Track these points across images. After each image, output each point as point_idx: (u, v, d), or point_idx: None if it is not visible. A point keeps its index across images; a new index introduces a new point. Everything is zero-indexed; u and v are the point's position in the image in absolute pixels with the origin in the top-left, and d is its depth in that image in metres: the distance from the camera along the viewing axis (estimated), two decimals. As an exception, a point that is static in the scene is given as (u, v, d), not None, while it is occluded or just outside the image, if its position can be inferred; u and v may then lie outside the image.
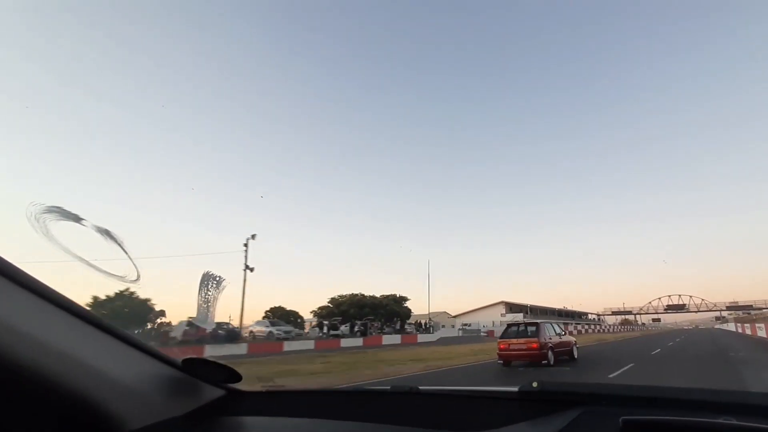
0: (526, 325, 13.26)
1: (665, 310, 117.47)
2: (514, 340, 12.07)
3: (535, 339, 11.72)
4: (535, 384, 1.07)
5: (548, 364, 11.66)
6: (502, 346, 12.25)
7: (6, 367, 0.67)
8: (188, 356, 1.07)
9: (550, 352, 11.86)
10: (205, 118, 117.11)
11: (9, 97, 70.72)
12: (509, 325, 13.67)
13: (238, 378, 1.13)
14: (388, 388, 1.33)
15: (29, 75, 76.96)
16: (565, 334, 14.26)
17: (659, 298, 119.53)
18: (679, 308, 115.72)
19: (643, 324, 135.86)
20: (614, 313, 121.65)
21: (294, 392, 1.55)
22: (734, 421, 0.74)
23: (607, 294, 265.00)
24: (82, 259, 0.91)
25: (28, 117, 76.78)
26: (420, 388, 1.25)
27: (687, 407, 0.91)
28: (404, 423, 0.99)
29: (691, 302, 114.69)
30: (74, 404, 0.79)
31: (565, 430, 0.85)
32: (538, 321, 13.57)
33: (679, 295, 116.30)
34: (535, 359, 11.69)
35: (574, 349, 13.95)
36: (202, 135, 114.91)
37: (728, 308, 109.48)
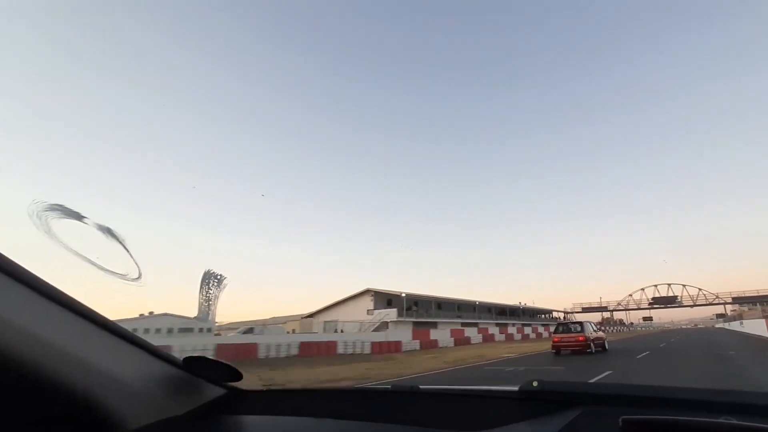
0: (572, 323, 17.55)
1: (650, 304, 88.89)
2: (565, 335, 16.35)
3: (582, 334, 15.96)
4: (535, 384, 1.06)
5: (591, 352, 15.77)
6: (555, 340, 16.58)
7: (7, 365, 0.67)
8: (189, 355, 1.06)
9: (591, 344, 16.04)
10: (205, 118, 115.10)
11: (10, 97, 69.77)
12: (558, 324, 18.56)
13: (239, 377, 1.12)
14: (389, 387, 1.34)
15: (30, 75, 75.07)
16: (599, 331, 18.84)
17: (642, 289, 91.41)
18: (669, 302, 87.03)
19: (631, 324, 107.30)
20: (585, 310, 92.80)
21: (295, 391, 1.53)
22: (734, 421, 0.74)
23: (580, 289, 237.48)
24: (83, 257, 0.90)
25: (30, 116, 75.23)
26: (420, 387, 1.25)
27: (687, 407, 0.91)
28: (405, 422, 0.99)
29: (685, 293, 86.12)
30: (75, 403, 0.78)
31: (565, 429, 0.85)
32: (582, 321, 17.41)
33: (668, 285, 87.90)
34: (582, 348, 15.74)
35: (605, 342, 18.37)
36: (202, 134, 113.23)
37: (735, 300, 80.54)
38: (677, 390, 0.97)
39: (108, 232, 0.97)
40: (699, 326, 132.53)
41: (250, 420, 1.09)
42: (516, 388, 1.10)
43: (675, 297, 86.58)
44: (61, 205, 0.91)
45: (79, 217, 0.94)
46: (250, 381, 1.32)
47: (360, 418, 1.08)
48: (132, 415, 0.86)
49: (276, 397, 1.34)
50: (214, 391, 1.14)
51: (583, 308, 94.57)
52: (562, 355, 15.68)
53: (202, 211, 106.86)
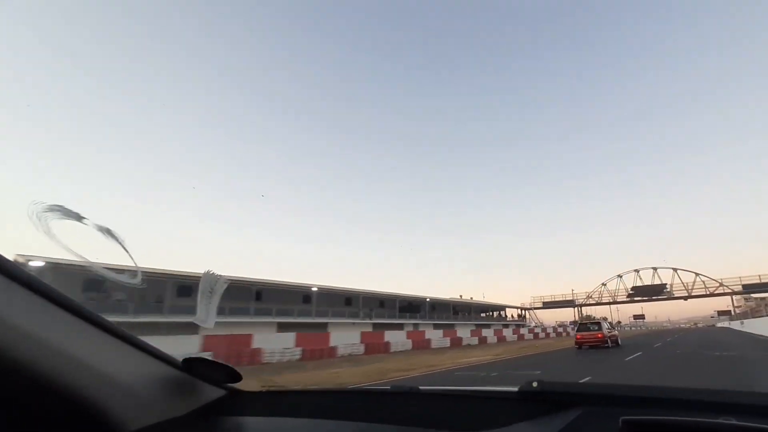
0: (591, 324, 20.97)
1: (630, 295, 66.25)
2: (586, 333, 19.81)
3: (600, 332, 19.50)
4: (535, 384, 1.05)
5: (607, 347, 19.30)
6: (578, 337, 20.00)
7: (6, 367, 0.67)
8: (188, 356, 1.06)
9: (608, 340, 19.70)
10: (206, 117, 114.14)
11: (10, 97, 69.35)
12: (580, 324, 22.66)
13: (238, 378, 1.12)
14: (389, 388, 1.33)
15: (30, 74, 74.32)
16: (613, 329, 23.12)
17: (619, 276, 68.91)
18: (655, 292, 64.28)
19: (619, 323, 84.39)
20: (547, 306, 70.30)
21: (294, 392, 1.53)
22: (734, 421, 0.74)
23: (547, 281, 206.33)
24: (83, 258, 0.91)
25: (30, 116, 74.93)
26: (420, 388, 1.24)
27: (687, 407, 0.91)
28: (404, 423, 0.99)
29: (676, 280, 63.52)
30: (74, 404, 0.78)
31: (565, 430, 0.86)
32: (599, 321, 21.31)
33: (654, 269, 65.33)
34: (600, 344, 19.17)
35: (618, 339, 22.27)
36: (203, 134, 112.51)
37: (747, 288, 57.76)
38: (677, 390, 0.97)
39: (108, 232, 0.97)
40: (698, 325, 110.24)
41: (250, 421, 1.09)
42: (515, 389, 1.09)
43: (663, 286, 64.22)
44: (60, 206, 0.90)
45: (78, 217, 0.93)
46: (250, 382, 1.18)
47: (359, 418, 1.08)
48: (131, 417, 0.86)
49: (275, 398, 1.35)
50: (214, 392, 1.14)
51: (544, 303, 72.70)
52: (583, 350, 19.05)
53: (202, 211, 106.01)
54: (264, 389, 1.36)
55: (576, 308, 70.16)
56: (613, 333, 21.41)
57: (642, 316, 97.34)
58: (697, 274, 61.90)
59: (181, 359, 1.03)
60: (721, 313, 79.91)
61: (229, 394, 1.17)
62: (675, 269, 63.99)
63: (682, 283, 63.07)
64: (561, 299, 72.86)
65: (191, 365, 1.03)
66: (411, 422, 0.98)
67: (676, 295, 63.13)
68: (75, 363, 0.76)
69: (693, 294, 61.91)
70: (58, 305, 0.75)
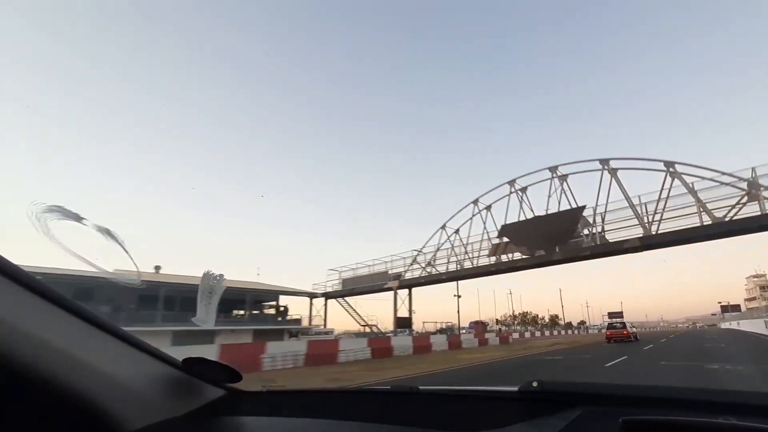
0: (617, 323, 28.59)
1: (493, 249, 25.18)
2: (614, 331, 26.50)
3: (626, 329, 26.12)
4: (535, 384, 1.06)
5: (631, 341, 25.08)
6: (608, 333, 26.53)
7: (5, 367, 0.68)
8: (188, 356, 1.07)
9: (632, 336, 25.99)
10: (205, 118, 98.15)
11: (10, 97, 69.85)
12: (609, 324, 30.35)
13: (238, 378, 1.13)
14: (389, 387, 1.34)
15: (30, 75, 74.62)
16: (634, 327, 31.92)
17: (478, 206, 28.34)
18: (561, 234, 22.65)
19: (576, 326, 51.26)
20: (348, 288, 29.20)
21: (294, 392, 1.54)
22: (734, 421, 0.75)
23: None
24: (82, 259, 0.91)
25: (30, 117, 76.56)
26: (420, 387, 1.25)
27: (687, 407, 0.92)
28: (404, 423, 1.00)
29: (614, 194, 23.16)
30: (73, 404, 0.79)
31: (565, 430, 0.86)
32: (624, 321, 29.65)
33: (553, 172, 24.87)
34: (626, 338, 25.17)
35: (637, 335, 29.49)
36: (202, 134, 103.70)
37: None
38: (677, 390, 0.98)
39: (107, 233, 0.97)
40: (698, 326, 74.82)
41: (250, 421, 1.09)
42: (516, 389, 1.10)
43: (579, 211, 23.63)
44: (60, 207, 0.91)
45: (78, 218, 0.93)
46: (250, 382, 1.21)
47: (360, 418, 1.08)
48: (131, 417, 0.87)
49: (276, 398, 1.36)
50: (214, 392, 1.15)
51: (344, 281, 32.75)
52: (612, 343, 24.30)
53: (200, 211, 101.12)
54: (264, 389, 1.37)
55: (394, 292, 30.48)
56: (634, 331, 27.96)
57: (620, 314, 59.68)
58: (670, 170, 19.86)
59: (181, 360, 1.04)
60: (727, 308, 53.48)
61: (229, 394, 1.18)
62: (607, 165, 23.83)
63: (631, 205, 22.77)
64: (377, 272, 33.35)
65: (191, 365, 1.04)
66: (411, 422, 0.99)
67: (612, 240, 22.73)
68: (75, 363, 0.77)
69: (664, 230, 21.44)
70: (58, 305, 0.76)
